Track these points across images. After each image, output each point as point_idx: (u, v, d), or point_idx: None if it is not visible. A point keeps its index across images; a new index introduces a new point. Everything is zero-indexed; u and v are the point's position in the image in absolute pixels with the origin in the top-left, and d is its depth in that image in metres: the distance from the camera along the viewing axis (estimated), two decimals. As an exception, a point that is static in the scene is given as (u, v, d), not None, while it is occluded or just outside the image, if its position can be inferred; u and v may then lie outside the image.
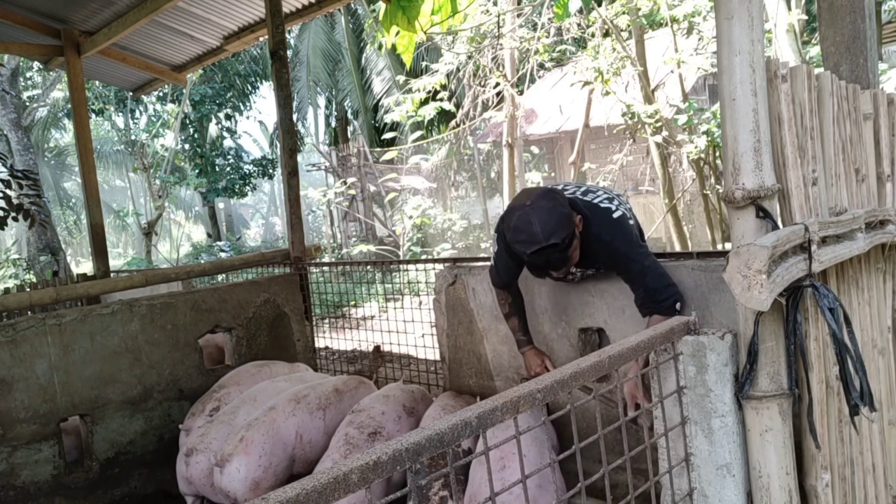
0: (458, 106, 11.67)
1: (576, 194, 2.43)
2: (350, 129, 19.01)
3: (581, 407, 1.35)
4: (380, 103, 16.34)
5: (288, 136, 4.39)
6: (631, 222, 2.39)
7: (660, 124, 7.63)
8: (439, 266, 3.40)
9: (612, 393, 2.45)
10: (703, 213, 8.41)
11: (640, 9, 7.57)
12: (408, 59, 4.15)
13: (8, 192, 6.45)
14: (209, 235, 23.11)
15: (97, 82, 14.91)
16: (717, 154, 7.49)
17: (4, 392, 2.86)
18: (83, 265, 24.88)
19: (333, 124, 20.03)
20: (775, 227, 1.41)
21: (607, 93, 7.86)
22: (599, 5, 8.37)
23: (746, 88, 1.38)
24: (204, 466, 2.63)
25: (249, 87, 19.21)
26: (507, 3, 9.00)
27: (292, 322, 3.96)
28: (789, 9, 6.47)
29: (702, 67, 7.56)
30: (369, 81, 16.83)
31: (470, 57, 9.97)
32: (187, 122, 18.33)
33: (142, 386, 3.25)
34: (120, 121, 19.95)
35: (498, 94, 9.95)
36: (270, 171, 21.38)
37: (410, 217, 12.26)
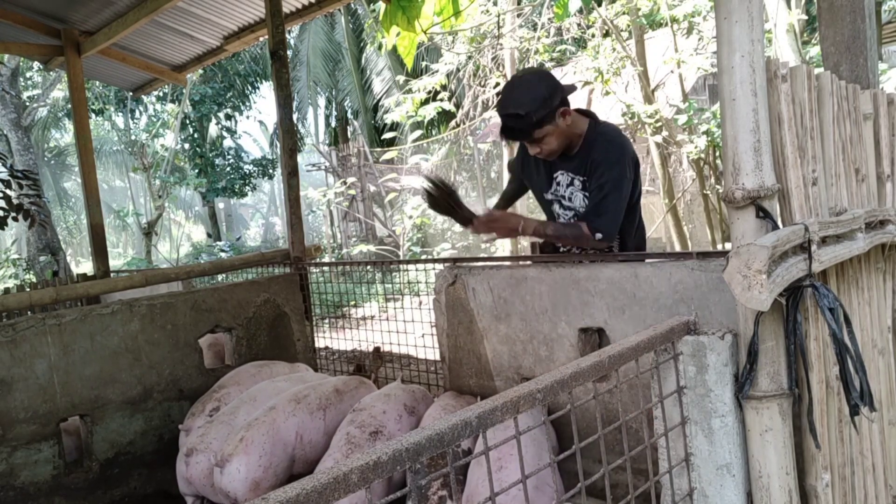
0: (458, 106, 11.68)
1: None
2: (350, 129, 19.02)
3: (581, 407, 1.35)
4: (380, 103, 16.36)
5: (288, 136, 4.39)
6: (631, 167, 2.62)
7: (660, 124, 7.64)
8: (439, 266, 3.40)
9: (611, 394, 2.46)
10: (703, 213, 8.41)
11: (640, 9, 7.57)
12: (409, 60, 4.15)
13: (8, 192, 6.45)
14: (209, 235, 23.12)
15: (97, 82, 14.91)
16: (717, 154, 7.49)
17: (4, 392, 2.86)
18: (83, 265, 24.88)
19: (333, 124, 20.05)
20: (775, 227, 1.41)
21: (607, 93, 7.87)
22: (599, 5, 8.37)
23: (746, 88, 1.38)
24: (204, 466, 2.63)
25: (249, 87, 19.23)
26: (507, 3, 9.01)
27: (292, 322, 3.96)
28: (789, 9, 6.47)
29: (702, 67, 7.57)
30: (369, 81, 16.85)
31: (470, 57, 9.97)
32: (187, 122, 18.34)
33: (142, 386, 3.25)
34: (120, 121, 19.96)
35: (498, 94, 9.95)
36: (270, 171, 21.39)
37: (410, 217, 12.27)
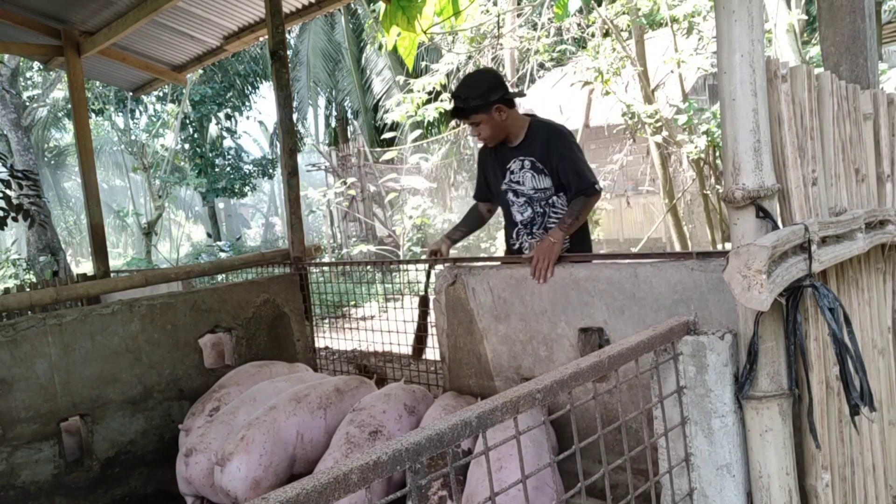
0: (458, 106, 11.65)
1: None
2: (350, 129, 19.01)
3: (581, 407, 1.35)
4: (380, 103, 16.34)
5: (288, 136, 4.39)
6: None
7: (660, 124, 7.64)
8: (439, 266, 3.40)
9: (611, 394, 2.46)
10: (703, 213, 8.41)
11: (639, 9, 7.57)
12: (409, 61, 4.16)
13: (8, 192, 6.45)
14: (209, 235, 23.12)
15: (97, 82, 14.91)
16: (717, 154, 7.49)
17: (5, 392, 2.86)
18: (83, 265, 24.88)
19: (333, 124, 20.04)
20: (775, 227, 1.41)
21: (607, 93, 7.87)
22: (599, 5, 8.37)
23: (746, 88, 1.38)
24: (203, 467, 2.63)
25: (249, 87, 19.22)
26: (507, 3, 9.01)
27: (292, 322, 3.96)
28: (789, 9, 6.47)
29: (702, 67, 7.57)
30: (369, 82, 16.84)
31: (470, 57, 9.97)
32: (187, 122, 18.34)
33: (142, 386, 3.25)
34: (120, 121, 19.96)
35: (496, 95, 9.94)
36: (270, 171, 21.38)
37: (410, 217, 12.27)
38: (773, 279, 1.29)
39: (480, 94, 2.99)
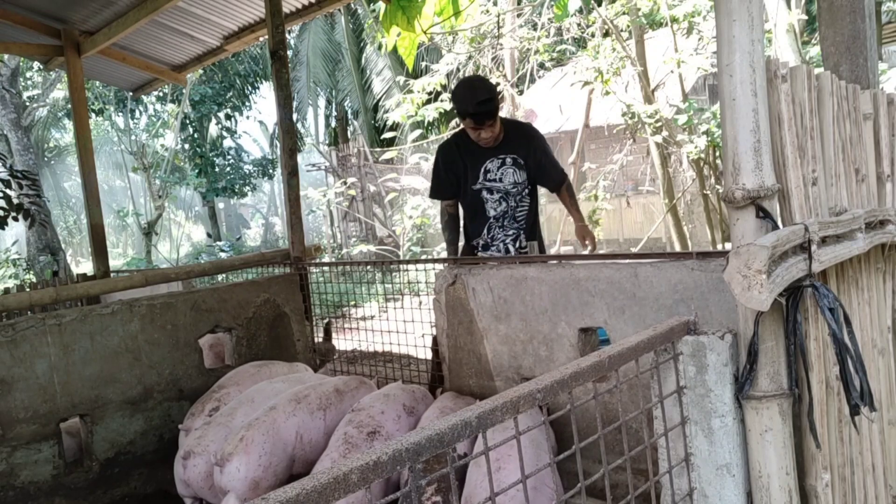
0: (458, 106, 11.64)
1: None
2: (350, 129, 19.01)
3: (581, 407, 1.35)
4: (380, 103, 16.34)
5: (288, 136, 4.39)
6: None
7: (660, 124, 7.64)
8: (439, 266, 3.40)
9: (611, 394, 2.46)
10: (703, 213, 8.41)
11: (639, 9, 7.57)
12: (409, 61, 4.16)
13: (8, 191, 6.45)
14: (209, 235, 23.12)
15: (97, 82, 14.90)
16: (717, 154, 7.49)
17: (4, 392, 2.86)
18: (83, 265, 24.88)
19: (333, 124, 20.04)
20: (775, 227, 1.41)
21: (607, 93, 7.86)
22: (599, 5, 8.37)
23: (746, 88, 1.38)
24: (202, 469, 2.63)
25: (249, 87, 19.23)
26: (507, 3, 9.01)
27: (292, 322, 3.96)
28: (789, 9, 6.47)
29: (702, 67, 7.57)
30: (369, 82, 16.84)
31: (470, 57, 9.97)
32: (187, 122, 18.34)
33: (142, 386, 3.25)
34: (120, 121, 19.95)
35: (498, 93, 9.95)
36: (270, 171, 21.39)
37: (410, 217, 12.26)
38: (773, 279, 1.29)
39: (495, 93, 3.30)
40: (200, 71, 15.65)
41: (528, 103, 11.57)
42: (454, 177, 3.51)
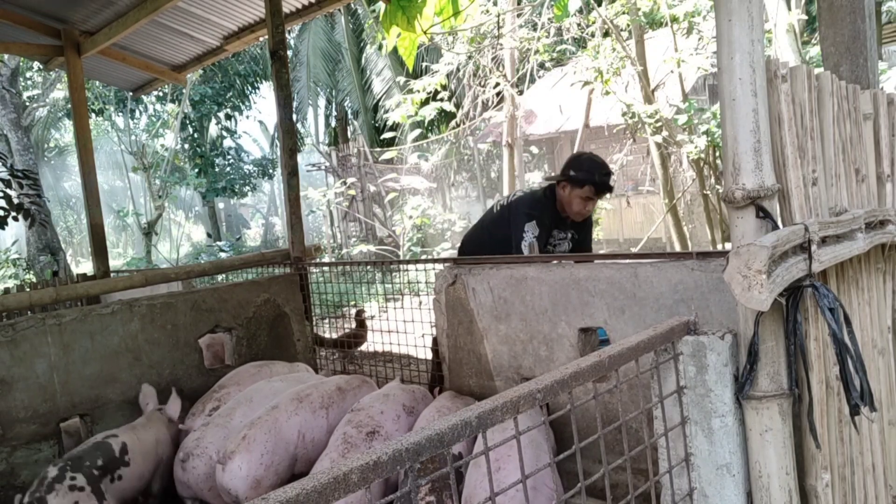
0: (458, 106, 11.68)
1: None
2: (350, 129, 19.01)
3: (581, 407, 1.35)
4: (380, 103, 16.35)
5: (288, 136, 4.39)
6: None
7: (660, 124, 7.64)
8: (439, 266, 3.40)
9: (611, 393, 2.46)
10: (703, 213, 8.41)
11: (639, 8, 7.57)
12: (409, 61, 4.16)
13: (8, 191, 6.45)
14: (209, 235, 23.12)
15: (97, 82, 14.91)
16: (717, 154, 7.49)
17: (4, 392, 2.86)
18: (83, 265, 24.88)
19: (333, 124, 20.04)
20: (775, 227, 1.41)
21: (607, 93, 7.86)
22: (599, 5, 8.37)
23: (746, 88, 1.38)
24: (201, 471, 2.63)
25: (249, 87, 19.23)
26: (507, 3, 9.01)
27: (292, 322, 3.96)
28: (789, 9, 6.47)
29: (702, 67, 7.57)
30: (369, 82, 16.84)
31: (470, 57, 9.97)
32: (187, 122, 18.34)
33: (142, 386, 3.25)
34: (120, 121, 19.95)
35: (498, 94, 9.96)
36: (270, 171, 21.38)
37: (410, 217, 12.26)
38: (773, 279, 1.29)
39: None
40: (200, 71, 15.66)
41: (528, 103, 11.58)
42: (533, 235, 3.50)
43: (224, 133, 20.11)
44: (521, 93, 10.09)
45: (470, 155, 14.79)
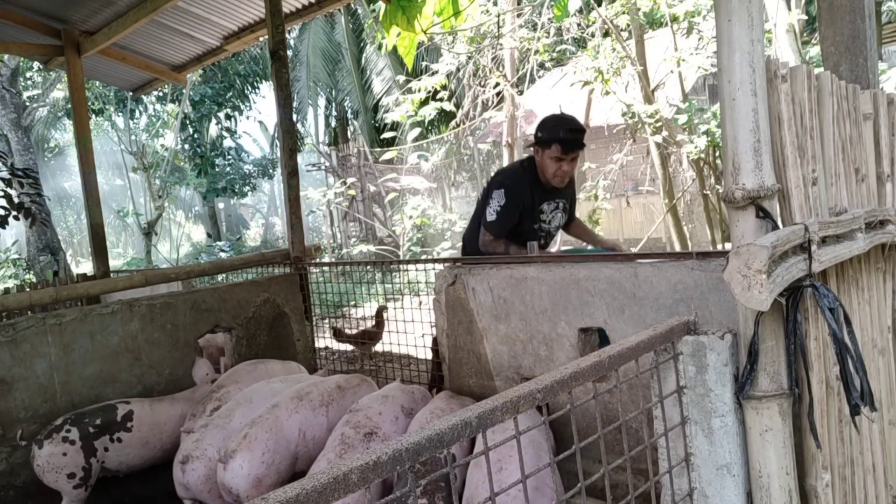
0: (458, 106, 11.67)
1: None
2: (350, 129, 19.01)
3: (581, 407, 1.35)
4: (380, 103, 16.35)
5: (288, 136, 4.39)
6: None
7: (660, 124, 7.63)
8: (439, 266, 3.40)
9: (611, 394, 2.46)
10: (703, 213, 8.41)
11: (640, 8, 7.57)
12: (409, 60, 4.16)
13: (9, 190, 6.46)
14: (209, 235, 23.12)
15: (97, 82, 14.91)
16: (717, 154, 7.49)
17: (4, 392, 2.86)
18: (83, 265, 24.89)
19: (333, 124, 20.04)
20: (775, 227, 1.41)
21: (607, 93, 7.86)
22: (599, 5, 8.37)
23: (746, 88, 1.38)
24: (201, 473, 2.63)
25: (249, 87, 19.22)
26: (507, 3, 9.01)
27: (292, 322, 3.96)
28: (789, 9, 6.47)
29: (702, 67, 7.57)
30: (369, 81, 16.84)
31: (470, 57, 9.97)
32: (187, 122, 18.33)
33: (142, 386, 3.25)
34: (120, 121, 19.95)
35: (498, 94, 9.96)
36: (270, 171, 21.38)
37: (410, 217, 12.26)
38: (773, 279, 1.29)
39: (584, 131, 3.29)
40: (200, 71, 15.66)
41: (528, 103, 11.57)
42: (520, 213, 3.37)
43: (224, 133, 20.10)
44: (521, 93, 10.09)
45: (470, 155, 14.79)
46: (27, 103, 15.46)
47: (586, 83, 8.10)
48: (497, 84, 9.58)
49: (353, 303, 9.09)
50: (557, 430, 2.69)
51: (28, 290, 5.37)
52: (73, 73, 5.60)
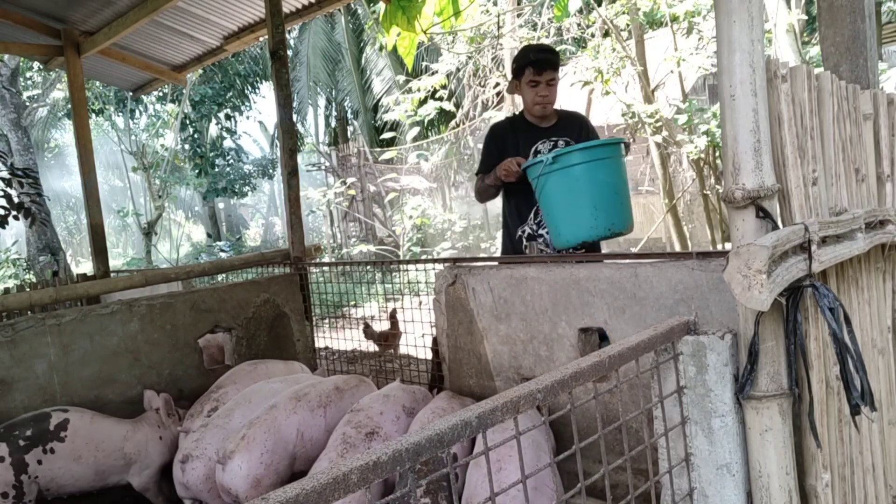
0: (457, 106, 11.68)
1: None
2: (350, 129, 19.02)
3: (581, 407, 1.34)
4: (380, 103, 16.35)
5: (288, 136, 4.39)
6: None
7: (660, 124, 7.64)
8: (439, 266, 3.40)
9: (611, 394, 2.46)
10: (703, 213, 8.41)
11: (640, 8, 7.57)
12: (409, 60, 4.16)
13: (9, 190, 6.46)
14: (209, 235, 23.12)
15: (97, 82, 14.91)
16: (717, 154, 7.49)
17: (4, 392, 2.86)
18: (83, 265, 24.89)
19: (333, 124, 20.04)
20: (775, 227, 1.41)
21: (607, 93, 7.86)
22: (599, 5, 8.37)
23: (746, 88, 1.38)
24: (200, 473, 2.63)
25: (249, 87, 19.21)
26: (507, 3, 9.01)
27: (292, 322, 3.96)
28: (789, 9, 6.48)
29: (702, 67, 7.57)
30: (369, 81, 16.84)
31: (470, 57, 9.98)
32: (187, 122, 18.33)
33: (141, 386, 3.25)
34: (120, 121, 19.95)
35: (498, 94, 9.96)
36: (270, 171, 21.38)
37: (410, 217, 12.26)
38: (773, 279, 1.29)
39: (557, 53, 3.21)
40: (200, 71, 15.66)
41: (528, 103, 11.54)
42: (499, 153, 3.27)
43: (224, 133, 20.10)
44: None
45: (470, 155, 14.78)
46: (27, 103, 15.46)
47: (586, 83, 8.10)
48: (497, 84, 9.58)
49: (353, 303, 9.09)
50: (558, 430, 2.70)
51: (28, 290, 5.37)
52: (72, 73, 5.61)
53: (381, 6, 4.39)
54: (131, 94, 7.46)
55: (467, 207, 15.71)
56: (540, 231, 3.25)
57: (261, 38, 5.76)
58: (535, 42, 8.57)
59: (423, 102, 10.10)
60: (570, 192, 2.75)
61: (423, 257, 11.49)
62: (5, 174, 6.70)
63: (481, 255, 12.15)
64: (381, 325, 4.30)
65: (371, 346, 4.70)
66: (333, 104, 19.23)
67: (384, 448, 0.98)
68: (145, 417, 3.04)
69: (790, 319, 1.43)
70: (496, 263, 3.23)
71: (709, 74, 9.94)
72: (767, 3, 6.33)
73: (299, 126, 19.12)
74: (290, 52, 17.08)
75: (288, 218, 4.48)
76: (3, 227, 6.39)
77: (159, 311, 3.35)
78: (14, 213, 6.37)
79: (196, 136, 18.82)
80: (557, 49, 9.25)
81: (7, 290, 5.65)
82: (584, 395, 2.39)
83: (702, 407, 1.50)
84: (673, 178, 8.89)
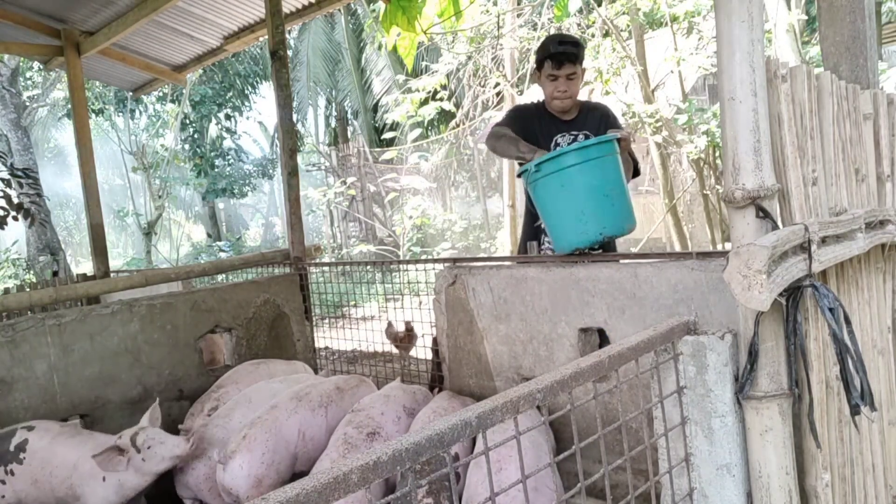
0: (457, 106, 11.67)
1: None
2: (350, 129, 19.02)
3: (581, 407, 1.35)
4: (380, 103, 16.34)
5: (288, 136, 4.39)
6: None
7: (660, 124, 7.64)
8: (439, 266, 3.40)
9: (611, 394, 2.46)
10: (703, 213, 8.41)
11: (640, 8, 7.57)
12: (409, 61, 4.16)
13: (8, 191, 6.46)
14: (209, 235, 23.11)
15: (97, 82, 14.91)
16: (717, 154, 7.49)
17: (4, 392, 2.86)
18: (83, 265, 24.89)
19: (333, 124, 20.03)
20: (775, 227, 1.41)
21: (607, 93, 7.86)
22: (599, 5, 8.37)
23: (746, 88, 1.38)
24: (201, 472, 2.63)
25: (249, 87, 19.21)
26: (507, 3, 9.01)
27: (292, 322, 3.96)
28: (789, 9, 6.48)
29: (702, 67, 7.57)
30: (369, 81, 16.84)
31: (470, 57, 9.98)
32: (187, 122, 18.33)
33: (141, 386, 3.25)
34: (120, 121, 19.95)
35: (498, 94, 9.96)
36: (270, 171, 21.37)
37: (410, 217, 12.27)
38: (773, 279, 1.29)
39: (581, 45, 3.07)
40: (200, 71, 15.66)
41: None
42: (524, 134, 3.09)
43: (224, 133, 20.08)
44: (521, 93, 10.08)
45: (470, 155, 14.78)
46: (27, 103, 15.47)
47: (586, 83, 8.09)
48: (497, 84, 9.58)
49: (353, 303, 9.09)
50: (557, 431, 2.70)
51: (28, 290, 5.37)
52: (72, 73, 5.60)
53: (381, 6, 4.39)
54: (131, 94, 7.46)
55: (467, 207, 15.71)
56: None
57: (261, 38, 5.76)
58: (539, 40, 8.57)
59: (423, 103, 10.10)
60: (555, 199, 2.65)
61: (423, 257, 11.49)
62: (5, 174, 6.70)
63: (481, 255, 12.15)
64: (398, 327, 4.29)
65: (371, 347, 4.69)
66: (333, 104, 19.23)
67: (384, 448, 0.98)
68: (111, 445, 2.45)
69: (790, 319, 1.43)
70: (496, 263, 3.23)
71: (709, 74, 9.93)
72: (767, 3, 6.33)
73: (299, 126, 19.11)
74: (289, 52, 17.08)
75: (288, 218, 4.48)
76: (2, 228, 6.39)
77: (159, 311, 3.35)
78: (13, 213, 6.37)
79: (196, 136, 18.81)
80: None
81: (7, 290, 5.65)
82: (583, 396, 2.39)
83: (702, 407, 1.50)
84: (673, 178, 8.89)
